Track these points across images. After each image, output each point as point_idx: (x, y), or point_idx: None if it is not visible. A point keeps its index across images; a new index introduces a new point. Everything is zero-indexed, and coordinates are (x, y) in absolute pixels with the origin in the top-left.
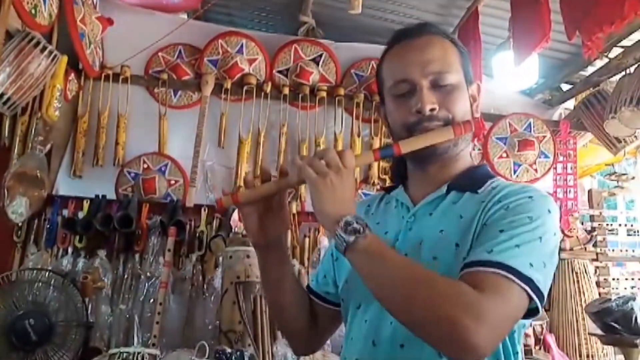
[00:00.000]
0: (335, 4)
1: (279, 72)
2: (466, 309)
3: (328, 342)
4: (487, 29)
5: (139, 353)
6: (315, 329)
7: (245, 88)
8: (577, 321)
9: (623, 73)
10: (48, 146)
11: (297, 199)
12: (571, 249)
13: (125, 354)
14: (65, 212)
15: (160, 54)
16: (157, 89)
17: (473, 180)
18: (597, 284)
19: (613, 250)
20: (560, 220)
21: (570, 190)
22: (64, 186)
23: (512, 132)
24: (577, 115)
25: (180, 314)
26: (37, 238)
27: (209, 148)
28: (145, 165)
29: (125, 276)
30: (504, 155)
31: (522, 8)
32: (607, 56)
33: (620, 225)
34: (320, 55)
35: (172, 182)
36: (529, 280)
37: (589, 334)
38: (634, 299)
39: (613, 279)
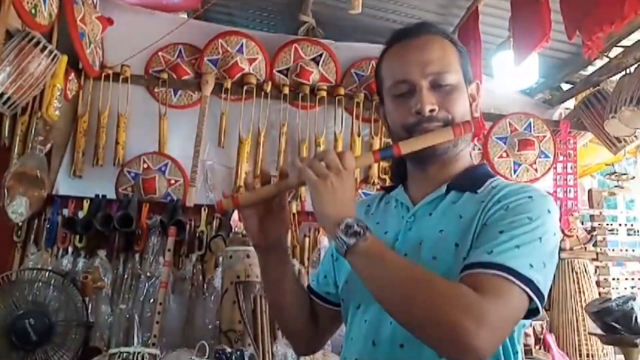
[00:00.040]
0: (335, 3)
1: (279, 71)
2: (467, 311)
3: (328, 342)
4: (487, 29)
5: (139, 353)
6: (316, 329)
7: (245, 88)
8: (577, 321)
9: (623, 73)
10: (48, 146)
11: (297, 199)
12: (571, 249)
13: (125, 354)
14: (65, 212)
15: (160, 53)
16: (157, 89)
17: (473, 180)
18: (597, 283)
19: (613, 250)
20: (560, 220)
21: (570, 190)
22: (64, 186)
23: (512, 132)
24: (577, 115)
25: (180, 313)
26: (37, 238)
27: (209, 148)
28: (145, 165)
29: (125, 276)
30: (504, 154)
31: (522, 8)
32: (607, 56)
33: (620, 224)
34: (321, 55)
35: (172, 181)
36: (529, 282)
37: (589, 333)
38: (634, 299)
39: (613, 279)
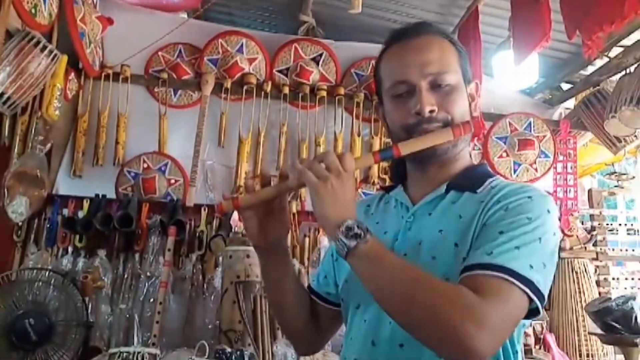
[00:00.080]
0: (335, 3)
1: (279, 71)
2: (467, 313)
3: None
4: (487, 29)
5: (138, 352)
6: (317, 329)
7: (245, 87)
8: (577, 320)
9: (623, 72)
10: (48, 146)
11: (297, 199)
12: (571, 249)
13: (125, 354)
14: (65, 212)
15: (160, 53)
16: (157, 89)
17: (472, 179)
18: (597, 283)
19: (613, 250)
20: (560, 220)
21: (570, 190)
22: (64, 186)
23: (512, 132)
24: (577, 115)
25: (180, 313)
26: (37, 237)
27: (209, 147)
28: (145, 165)
29: (125, 276)
30: (504, 154)
31: (522, 7)
32: (607, 55)
33: (620, 224)
34: (321, 55)
35: (172, 181)
36: (529, 282)
37: (589, 333)
38: (634, 299)
39: (613, 279)
